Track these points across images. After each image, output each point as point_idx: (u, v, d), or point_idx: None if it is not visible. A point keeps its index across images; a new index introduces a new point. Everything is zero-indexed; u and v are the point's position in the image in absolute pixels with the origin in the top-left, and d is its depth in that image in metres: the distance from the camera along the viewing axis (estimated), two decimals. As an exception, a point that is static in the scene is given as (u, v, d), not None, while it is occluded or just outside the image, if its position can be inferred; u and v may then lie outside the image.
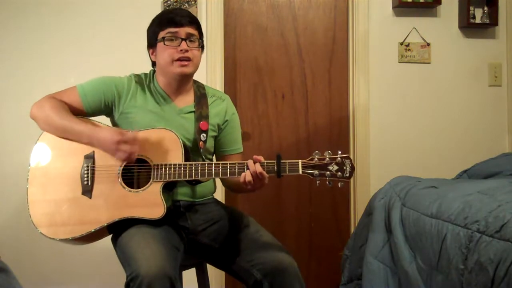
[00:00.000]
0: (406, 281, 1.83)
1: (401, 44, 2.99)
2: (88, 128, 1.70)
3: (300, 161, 1.64)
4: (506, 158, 2.33)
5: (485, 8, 3.00)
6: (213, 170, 1.68)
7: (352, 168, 1.64)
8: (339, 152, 1.65)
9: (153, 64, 1.89)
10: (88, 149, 1.71)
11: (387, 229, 2.05)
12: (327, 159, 1.64)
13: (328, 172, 1.63)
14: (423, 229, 1.74)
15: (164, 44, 1.78)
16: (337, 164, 1.64)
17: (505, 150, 3.01)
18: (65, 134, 1.71)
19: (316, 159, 1.64)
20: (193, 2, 2.83)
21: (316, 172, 1.63)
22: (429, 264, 1.69)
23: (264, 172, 1.63)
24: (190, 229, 1.82)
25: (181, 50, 1.76)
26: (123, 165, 1.70)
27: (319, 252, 3.04)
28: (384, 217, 2.09)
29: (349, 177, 1.63)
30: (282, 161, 1.63)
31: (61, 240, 1.68)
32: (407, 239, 1.88)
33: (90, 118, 1.79)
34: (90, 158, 1.70)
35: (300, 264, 1.75)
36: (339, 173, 1.63)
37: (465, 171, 2.35)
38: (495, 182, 1.85)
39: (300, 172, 1.63)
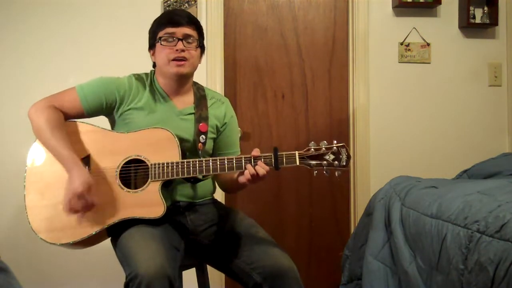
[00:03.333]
0: (406, 281, 1.83)
1: (401, 44, 2.99)
2: (68, 161, 1.64)
3: (296, 152, 1.64)
4: (506, 158, 2.32)
5: (485, 8, 3.00)
6: (210, 166, 1.68)
7: (348, 157, 1.66)
8: (335, 142, 1.66)
9: (154, 65, 1.89)
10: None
11: (387, 229, 2.05)
12: (323, 149, 1.65)
13: (324, 162, 1.64)
14: (423, 229, 1.74)
15: (161, 44, 1.78)
16: (333, 153, 1.65)
17: (505, 150, 3.01)
18: (48, 150, 1.69)
19: (312, 149, 1.65)
20: (193, 2, 2.83)
21: (313, 162, 1.64)
22: (429, 264, 1.69)
23: (262, 170, 1.63)
24: (190, 229, 1.82)
25: (177, 50, 1.76)
26: (120, 166, 1.70)
27: (319, 252, 3.04)
28: (384, 217, 2.09)
29: (346, 166, 1.65)
30: (279, 153, 1.63)
31: (62, 245, 1.68)
32: (407, 239, 1.88)
33: (89, 122, 1.79)
34: (86, 161, 1.70)
35: (300, 264, 1.75)
36: (336, 162, 1.65)
37: (465, 171, 2.35)
38: (495, 182, 1.85)
39: (298, 163, 1.64)
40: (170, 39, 1.78)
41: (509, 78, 3.07)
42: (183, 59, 1.78)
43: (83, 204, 1.62)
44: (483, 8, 3.00)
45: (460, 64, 3.04)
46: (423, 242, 1.74)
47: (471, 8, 2.97)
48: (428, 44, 3.00)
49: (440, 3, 2.96)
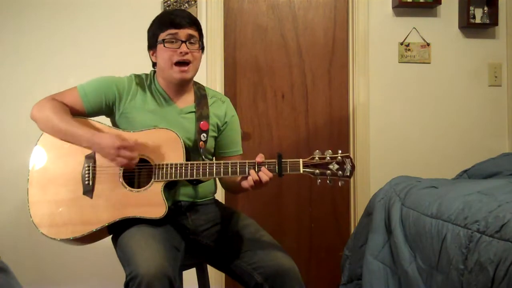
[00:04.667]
0: (406, 281, 1.83)
1: (401, 44, 2.99)
2: (89, 132, 1.69)
3: (301, 160, 1.64)
4: (506, 158, 2.32)
5: (485, 8, 3.00)
6: (214, 169, 1.68)
7: (353, 167, 1.64)
8: (340, 151, 1.66)
9: (154, 64, 1.89)
10: (88, 149, 1.71)
11: (387, 229, 2.05)
12: (328, 158, 1.64)
13: (328, 171, 1.63)
14: (423, 229, 1.74)
15: (164, 46, 1.77)
16: (337, 163, 1.64)
17: (505, 150, 3.01)
18: (65, 137, 1.71)
19: (316, 158, 1.64)
20: (193, 2, 2.83)
21: (317, 171, 1.63)
22: (429, 264, 1.69)
23: (265, 177, 1.62)
24: (191, 229, 1.82)
25: (181, 53, 1.76)
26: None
27: (319, 252, 3.04)
28: (384, 217, 2.09)
29: (350, 176, 1.64)
30: (283, 160, 1.63)
31: (62, 240, 1.68)
32: (407, 239, 1.88)
33: (91, 118, 1.79)
34: (91, 158, 1.70)
35: (300, 264, 1.76)
36: (340, 172, 1.63)
37: (465, 171, 2.35)
38: (495, 182, 1.85)
39: (301, 171, 1.63)
40: (173, 41, 1.77)
41: (509, 78, 3.07)
42: (187, 62, 1.78)
43: (128, 152, 1.64)
44: (483, 8, 3.00)
45: (460, 64, 3.04)
46: (423, 242, 1.74)
47: (471, 8, 2.97)
48: (428, 44, 3.00)
49: (440, 3, 2.96)
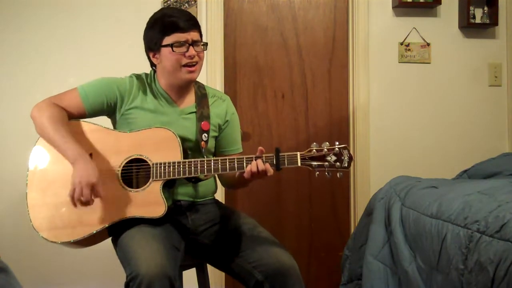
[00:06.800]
0: (406, 281, 1.83)
1: (401, 44, 2.99)
2: (74, 153, 1.64)
3: (298, 153, 1.64)
4: (506, 158, 2.33)
5: (485, 8, 3.00)
6: (212, 166, 1.68)
7: (350, 158, 1.65)
8: (337, 143, 1.66)
9: (152, 65, 1.88)
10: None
11: (387, 229, 2.05)
12: (325, 150, 1.65)
13: (326, 163, 1.64)
14: (423, 229, 1.75)
15: (173, 50, 1.75)
16: (335, 154, 1.65)
17: (505, 150, 3.01)
18: (53, 146, 1.70)
19: (314, 150, 1.65)
20: (193, 2, 2.83)
21: (315, 163, 1.64)
22: (429, 264, 1.69)
23: (261, 165, 1.62)
24: (191, 229, 1.82)
25: (190, 56, 1.75)
26: (122, 166, 1.71)
27: (319, 252, 3.04)
28: (384, 217, 2.09)
29: (348, 167, 1.65)
30: (280, 153, 1.64)
31: (62, 243, 1.68)
32: (407, 239, 1.88)
33: (91, 119, 1.79)
34: None
35: (300, 264, 1.76)
36: (338, 163, 1.64)
37: (465, 171, 2.35)
38: (495, 182, 1.85)
39: (299, 164, 1.64)
40: (181, 45, 1.75)
41: (509, 78, 3.07)
42: (195, 64, 1.78)
43: (92, 195, 1.62)
44: (483, 8, 3.00)
45: (460, 64, 3.04)
46: (423, 242, 1.74)
47: (471, 8, 2.97)
48: (428, 44, 3.00)
49: (440, 3, 2.96)
